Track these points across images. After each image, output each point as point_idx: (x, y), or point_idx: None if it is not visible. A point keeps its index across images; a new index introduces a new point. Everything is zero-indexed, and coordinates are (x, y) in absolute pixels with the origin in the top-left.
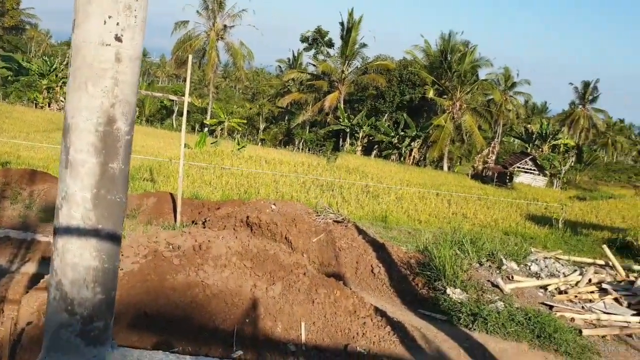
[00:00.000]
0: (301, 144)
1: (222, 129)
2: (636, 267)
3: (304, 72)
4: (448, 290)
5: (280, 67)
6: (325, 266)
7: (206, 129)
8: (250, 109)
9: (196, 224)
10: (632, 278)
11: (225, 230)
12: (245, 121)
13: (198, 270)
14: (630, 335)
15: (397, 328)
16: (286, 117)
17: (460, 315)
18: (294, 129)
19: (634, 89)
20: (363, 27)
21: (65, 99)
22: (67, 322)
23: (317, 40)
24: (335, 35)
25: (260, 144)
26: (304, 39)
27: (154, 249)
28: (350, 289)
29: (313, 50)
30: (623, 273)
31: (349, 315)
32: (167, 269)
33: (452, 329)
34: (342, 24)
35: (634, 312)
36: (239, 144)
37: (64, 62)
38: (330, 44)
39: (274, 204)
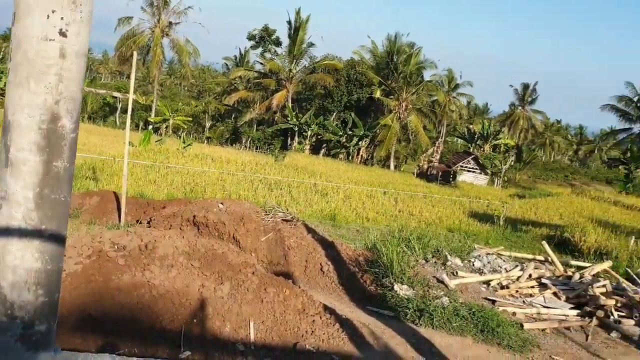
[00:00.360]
0: (248, 142)
1: (167, 127)
2: (574, 262)
3: (251, 70)
4: (395, 287)
5: (226, 64)
6: (274, 265)
7: (151, 127)
8: (196, 106)
9: (141, 223)
10: (569, 273)
11: (172, 229)
12: (190, 119)
13: (144, 270)
14: (568, 328)
15: (346, 325)
16: (233, 115)
17: (407, 311)
18: (241, 127)
19: (570, 91)
20: (311, 26)
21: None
22: (6, 326)
23: (264, 38)
24: (282, 34)
25: (206, 142)
26: (251, 37)
27: (98, 249)
28: (300, 287)
29: (260, 49)
30: (561, 268)
31: (298, 314)
32: (112, 269)
33: (400, 325)
34: (289, 22)
35: (572, 306)
36: (184, 142)
37: (1, 57)
38: (277, 43)
39: (222, 203)
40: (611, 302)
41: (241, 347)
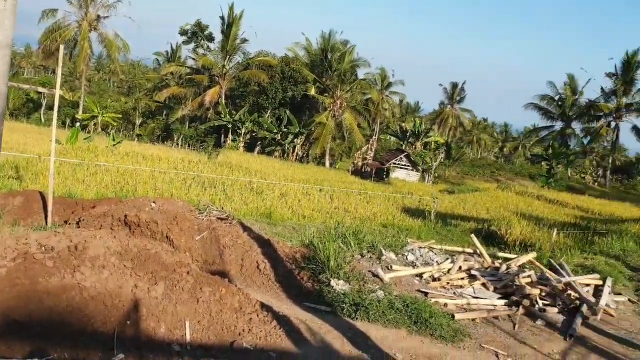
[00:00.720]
0: (180, 139)
1: (95, 124)
2: (500, 254)
3: (183, 65)
4: (332, 282)
5: (158, 60)
6: (209, 264)
7: (78, 124)
8: (126, 103)
9: (70, 224)
10: (497, 264)
11: (103, 229)
12: (120, 116)
13: (74, 272)
14: (496, 317)
15: (283, 322)
16: (164, 112)
17: (344, 305)
18: (173, 124)
19: (496, 90)
20: (244, 22)
21: None
22: None
23: (196, 33)
24: (215, 29)
25: (136, 139)
26: (183, 32)
27: (23, 251)
28: (236, 286)
29: (193, 44)
30: (489, 260)
31: (234, 312)
32: (40, 271)
33: (336, 320)
34: (222, 18)
35: (500, 296)
36: (114, 140)
37: None
38: (210, 38)
39: (154, 202)
40: (536, 291)
41: (177, 348)
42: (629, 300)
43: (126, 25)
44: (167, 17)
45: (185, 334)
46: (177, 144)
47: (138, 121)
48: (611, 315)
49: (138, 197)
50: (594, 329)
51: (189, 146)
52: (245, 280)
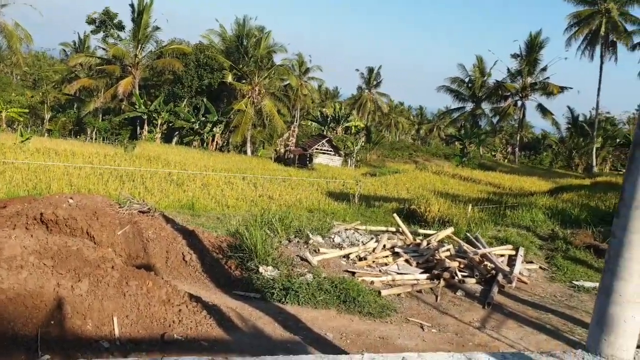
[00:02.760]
0: (94, 133)
1: None
2: (421, 231)
3: (92, 56)
4: (260, 269)
5: (65, 51)
6: (133, 258)
7: None
8: (32, 97)
9: None
10: (418, 241)
11: (17, 229)
12: (27, 110)
13: None
14: (420, 291)
15: (213, 311)
16: (75, 105)
17: (274, 291)
18: (85, 117)
19: (411, 74)
20: (155, 9)
21: None
22: None
23: (105, 22)
24: (125, 17)
25: (47, 135)
26: (90, 21)
27: None
28: (163, 278)
29: (102, 33)
30: (411, 237)
31: (163, 305)
32: None
33: (267, 305)
34: (132, 5)
35: (422, 271)
36: (22, 136)
37: None
38: (120, 27)
39: (71, 198)
40: (455, 264)
41: (106, 344)
42: (540, 267)
43: (27, 13)
44: (72, 4)
45: (113, 329)
46: (91, 138)
47: (47, 116)
48: (525, 283)
49: (54, 194)
50: (510, 296)
51: (103, 140)
52: (172, 273)
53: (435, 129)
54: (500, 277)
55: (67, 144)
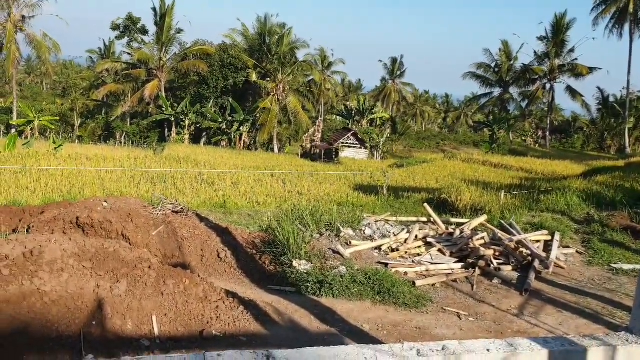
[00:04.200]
0: (123, 137)
1: (32, 129)
2: (453, 220)
3: (118, 61)
4: (294, 263)
5: (91, 58)
6: (169, 258)
7: (14, 130)
8: (62, 104)
9: (19, 232)
10: (451, 230)
11: (55, 233)
12: (58, 118)
13: (32, 278)
14: (455, 281)
15: (250, 306)
16: (104, 111)
17: (308, 284)
18: (114, 122)
19: (435, 62)
20: (177, 11)
21: None
22: None
23: (129, 27)
24: (148, 21)
25: (77, 141)
26: (114, 27)
27: None
28: (199, 276)
29: (126, 38)
30: (443, 227)
31: (200, 302)
32: None
33: (302, 299)
34: (154, 9)
35: (456, 260)
36: (55, 143)
37: None
38: (144, 31)
39: (106, 201)
40: (490, 252)
41: (146, 343)
42: (577, 252)
43: (54, 24)
44: (96, 13)
45: (153, 328)
46: (121, 142)
47: (77, 122)
48: (562, 268)
49: (88, 198)
50: (547, 282)
51: (132, 143)
52: (208, 270)
53: (462, 117)
54: (536, 263)
55: (97, 149)
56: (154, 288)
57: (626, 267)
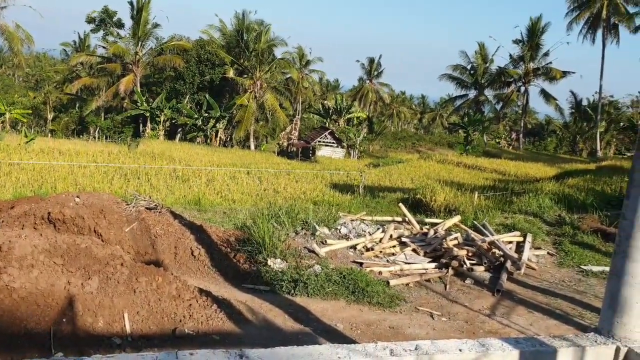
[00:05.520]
0: (97, 132)
1: (3, 122)
2: (428, 220)
3: (93, 55)
4: (269, 262)
5: (65, 51)
6: (142, 255)
7: None
8: (35, 97)
9: None
10: (425, 230)
11: (26, 229)
12: (30, 111)
13: (1, 274)
14: (428, 280)
15: (224, 305)
16: (77, 105)
17: (282, 283)
18: (88, 116)
19: (412, 63)
20: (154, 6)
21: None
22: None
23: (105, 21)
24: (125, 15)
25: (50, 135)
26: (90, 20)
27: None
28: (172, 274)
29: (102, 32)
30: (418, 226)
31: (173, 300)
32: None
33: (276, 298)
34: (131, 3)
35: (430, 260)
36: (26, 137)
37: None
38: (120, 25)
39: (78, 197)
40: (463, 252)
41: (117, 341)
42: (548, 253)
43: (27, 15)
44: (71, 5)
45: (124, 326)
46: (94, 137)
47: (50, 116)
48: (533, 269)
49: (60, 193)
50: (519, 282)
51: (106, 138)
52: (181, 268)
53: (438, 118)
54: (508, 264)
55: (70, 143)
56: (126, 285)
57: (596, 269)
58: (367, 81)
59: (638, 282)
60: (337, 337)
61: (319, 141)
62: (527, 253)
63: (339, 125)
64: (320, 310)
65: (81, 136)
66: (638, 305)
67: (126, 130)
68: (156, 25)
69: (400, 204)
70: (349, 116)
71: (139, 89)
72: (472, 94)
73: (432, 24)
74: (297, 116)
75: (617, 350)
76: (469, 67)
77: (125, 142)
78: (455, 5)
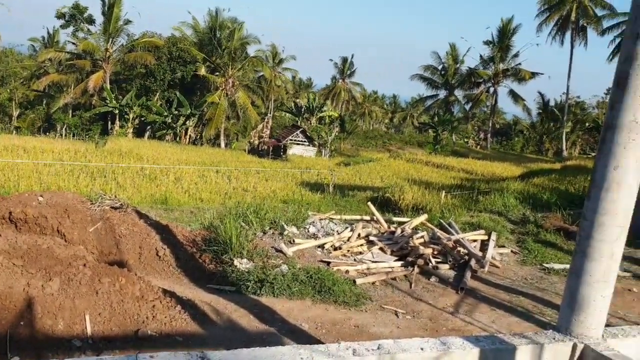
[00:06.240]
0: (64, 129)
1: None
2: (395, 218)
3: (62, 51)
4: (235, 262)
5: (33, 46)
6: (106, 255)
7: None
8: (0, 94)
9: None
10: (392, 229)
11: None
12: None
13: None
14: (394, 279)
15: (188, 306)
16: (45, 101)
17: (248, 283)
18: (55, 113)
19: (384, 63)
20: (126, 2)
21: None
22: None
23: (75, 16)
24: (96, 11)
25: (15, 132)
26: (60, 16)
27: None
28: (136, 274)
29: (72, 28)
30: (385, 225)
31: (136, 301)
32: None
33: (242, 298)
34: None
35: (397, 258)
36: None
37: None
38: (90, 21)
39: (41, 196)
40: (429, 250)
41: (78, 343)
42: (512, 251)
43: None
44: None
45: (86, 328)
46: (61, 135)
47: (15, 113)
48: (497, 267)
49: (23, 192)
50: (483, 280)
51: (74, 136)
52: (146, 268)
53: (408, 117)
54: (473, 262)
55: (36, 141)
56: (89, 286)
57: (557, 266)
58: (340, 80)
59: (596, 281)
60: (302, 337)
61: (291, 140)
62: (491, 251)
63: (311, 123)
64: (286, 310)
65: (48, 134)
66: (595, 303)
67: (94, 128)
68: (128, 22)
69: (369, 203)
70: (321, 115)
71: (108, 86)
72: (442, 94)
73: (406, 24)
74: (269, 114)
75: (574, 347)
76: (440, 67)
77: (93, 140)
78: (429, 6)
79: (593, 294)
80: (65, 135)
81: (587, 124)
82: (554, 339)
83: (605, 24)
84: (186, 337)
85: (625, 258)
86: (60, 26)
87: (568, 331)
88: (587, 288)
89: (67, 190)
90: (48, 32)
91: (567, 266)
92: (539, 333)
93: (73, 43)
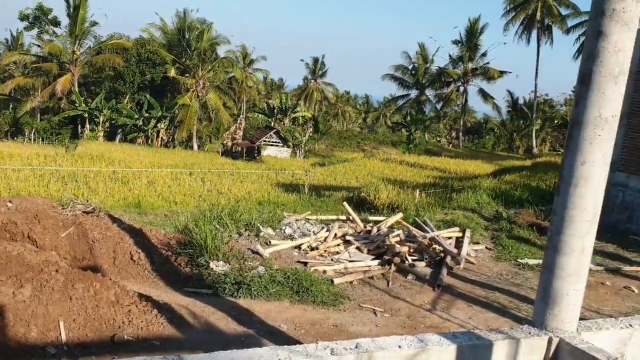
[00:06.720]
0: (32, 134)
1: None
2: (371, 217)
3: (27, 54)
4: (211, 264)
5: None
6: (79, 260)
7: None
8: None
9: None
10: (369, 228)
11: None
12: None
13: None
14: (372, 277)
15: (164, 310)
16: (11, 106)
17: (225, 286)
18: (22, 117)
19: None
20: (92, 3)
21: None
22: None
23: (39, 18)
24: (60, 12)
25: None
26: (23, 17)
27: None
28: (110, 279)
29: (36, 30)
30: (361, 224)
31: (112, 306)
32: None
33: (219, 301)
34: (67, 0)
35: (373, 257)
36: None
37: None
38: (55, 23)
39: (10, 202)
40: (405, 248)
41: (52, 350)
42: (487, 248)
43: None
44: (4, 1)
45: (60, 334)
46: (30, 139)
47: None
48: (472, 263)
49: None
50: (458, 277)
51: (43, 140)
52: (120, 273)
53: (381, 117)
54: (448, 259)
55: (3, 146)
56: (62, 292)
57: (531, 262)
58: (312, 80)
59: (568, 275)
60: (280, 337)
61: (265, 141)
62: (466, 248)
63: (284, 124)
64: (264, 312)
65: (15, 138)
66: (568, 297)
67: (64, 132)
68: (94, 24)
69: (345, 203)
70: (294, 115)
71: (77, 89)
72: (413, 93)
73: (381, 22)
74: (241, 115)
75: (550, 340)
76: (410, 67)
77: (62, 144)
78: (404, 4)
79: (566, 287)
80: (34, 140)
81: (555, 121)
82: (529, 333)
83: (570, 22)
84: (163, 341)
85: (597, 252)
86: (24, 28)
87: (543, 325)
88: (559, 282)
89: (37, 196)
90: (12, 35)
91: (541, 261)
92: (514, 328)
93: (38, 45)
